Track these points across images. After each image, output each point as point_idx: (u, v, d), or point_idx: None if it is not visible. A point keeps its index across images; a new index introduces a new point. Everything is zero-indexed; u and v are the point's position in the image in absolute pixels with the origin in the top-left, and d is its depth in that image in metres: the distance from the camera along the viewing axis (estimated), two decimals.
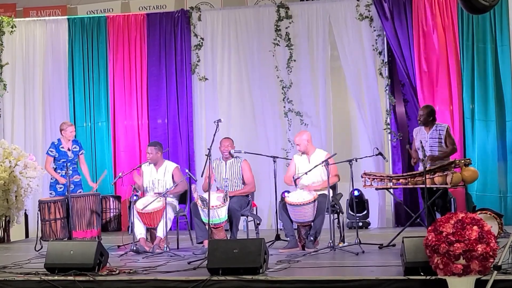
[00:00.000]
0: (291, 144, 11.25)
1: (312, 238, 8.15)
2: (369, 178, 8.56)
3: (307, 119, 11.60)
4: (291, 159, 9.12)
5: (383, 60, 11.41)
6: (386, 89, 11.33)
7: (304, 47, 11.75)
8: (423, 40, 11.11)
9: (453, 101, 11.01)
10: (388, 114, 11.34)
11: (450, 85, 11.03)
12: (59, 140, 9.91)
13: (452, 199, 10.22)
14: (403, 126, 11.44)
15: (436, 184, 8.14)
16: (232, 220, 8.27)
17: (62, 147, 9.81)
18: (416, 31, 11.16)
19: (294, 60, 11.70)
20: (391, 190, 9.08)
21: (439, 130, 8.69)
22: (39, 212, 9.18)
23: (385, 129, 11.32)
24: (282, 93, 11.71)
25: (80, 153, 9.95)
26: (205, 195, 7.86)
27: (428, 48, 11.11)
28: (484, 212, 7.95)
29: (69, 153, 9.81)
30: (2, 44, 12.53)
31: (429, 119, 8.76)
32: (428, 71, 11.10)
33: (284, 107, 11.69)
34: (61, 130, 9.92)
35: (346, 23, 11.58)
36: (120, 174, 9.45)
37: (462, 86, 11.01)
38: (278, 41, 11.77)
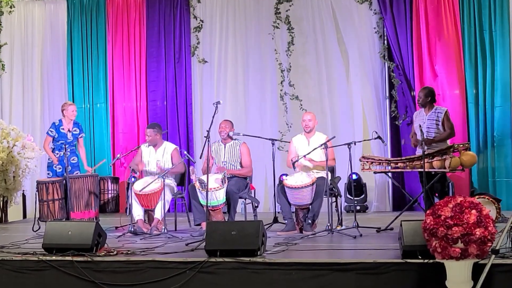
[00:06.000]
0: (289, 126, 11.23)
1: (310, 221, 8.15)
2: (367, 162, 8.54)
3: (307, 102, 11.56)
4: (289, 142, 9.09)
5: (383, 43, 11.37)
6: (390, 72, 11.30)
7: (304, 30, 11.70)
8: (422, 26, 11.06)
9: (454, 86, 10.98)
10: (389, 98, 11.32)
11: (451, 71, 11.00)
12: (60, 120, 9.87)
13: (450, 183, 10.21)
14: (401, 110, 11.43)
15: (434, 168, 8.13)
16: (230, 202, 8.27)
17: (63, 128, 9.77)
18: (415, 16, 11.10)
19: (293, 44, 11.66)
20: (389, 174, 9.07)
21: (438, 112, 8.67)
22: (37, 193, 9.16)
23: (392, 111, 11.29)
24: (281, 76, 11.68)
25: (79, 136, 9.92)
26: (204, 177, 7.86)
27: (428, 34, 11.05)
28: (482, 196, 7.95)
29: (69, 135, 9.78)
30: (0, 24, 12.48)
31: (427, 99, 8.73)
32: (429, 56, 11.05)
33: (281, 90, 11.67)
34: (62, 110, 9.87)
35: (347, 6, 11.51)
36: (118, 155, 9.42)
37: (465, 71, 10.96)
38: (278, 24, 11.71)
